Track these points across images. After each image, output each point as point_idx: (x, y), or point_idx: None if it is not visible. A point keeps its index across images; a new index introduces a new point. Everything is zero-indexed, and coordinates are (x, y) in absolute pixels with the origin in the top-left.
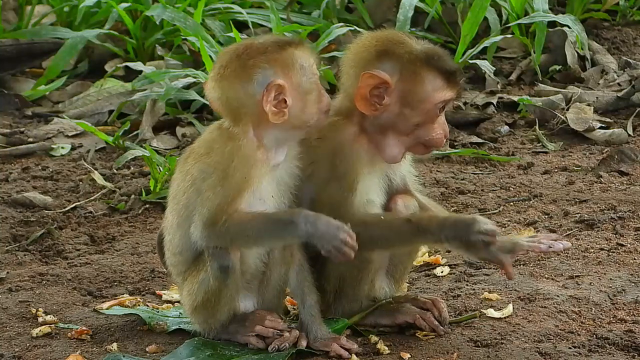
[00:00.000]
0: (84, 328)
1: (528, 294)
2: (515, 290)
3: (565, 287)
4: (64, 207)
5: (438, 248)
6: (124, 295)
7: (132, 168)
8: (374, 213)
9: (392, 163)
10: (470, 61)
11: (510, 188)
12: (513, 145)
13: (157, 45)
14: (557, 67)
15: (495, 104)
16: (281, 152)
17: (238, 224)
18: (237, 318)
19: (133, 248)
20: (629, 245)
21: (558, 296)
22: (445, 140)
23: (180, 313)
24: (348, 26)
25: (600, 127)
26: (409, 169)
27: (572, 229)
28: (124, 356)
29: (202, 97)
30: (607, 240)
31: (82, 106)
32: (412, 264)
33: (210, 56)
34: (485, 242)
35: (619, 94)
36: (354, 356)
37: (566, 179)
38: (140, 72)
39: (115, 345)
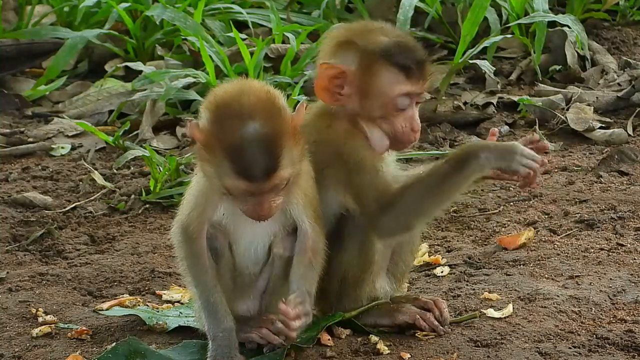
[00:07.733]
0: (84, 328)
1: (528, 294)
2: (515, 290)
3: (565, 287)
4: (64, 207)
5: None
6: (124, 295)
7: (132, 168)
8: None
9: (381, 152)
10: (470, 61)
11: (510, 188)
12: None
13: (157, 45)
14: (557, 67)
15: (495, 104)
16: None
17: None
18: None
19: (133, 248)
20: (629, 245)
21: (558, 296)
22: (415, 137)
23: (180, 313)
24: None
25: (600, 127)
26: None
27: (572, 229)
28: (141, 344)
29: (202, 96)
30: (607, 240)
31: (82, 106)
32: (413, 262)
33: (211, 56)
34: (529, 168)
35: (619, 94)
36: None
37: (566, 179)
38: (140, 72)
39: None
